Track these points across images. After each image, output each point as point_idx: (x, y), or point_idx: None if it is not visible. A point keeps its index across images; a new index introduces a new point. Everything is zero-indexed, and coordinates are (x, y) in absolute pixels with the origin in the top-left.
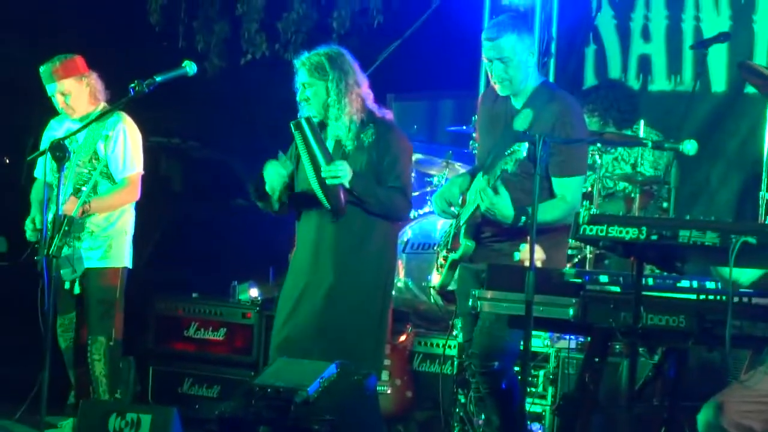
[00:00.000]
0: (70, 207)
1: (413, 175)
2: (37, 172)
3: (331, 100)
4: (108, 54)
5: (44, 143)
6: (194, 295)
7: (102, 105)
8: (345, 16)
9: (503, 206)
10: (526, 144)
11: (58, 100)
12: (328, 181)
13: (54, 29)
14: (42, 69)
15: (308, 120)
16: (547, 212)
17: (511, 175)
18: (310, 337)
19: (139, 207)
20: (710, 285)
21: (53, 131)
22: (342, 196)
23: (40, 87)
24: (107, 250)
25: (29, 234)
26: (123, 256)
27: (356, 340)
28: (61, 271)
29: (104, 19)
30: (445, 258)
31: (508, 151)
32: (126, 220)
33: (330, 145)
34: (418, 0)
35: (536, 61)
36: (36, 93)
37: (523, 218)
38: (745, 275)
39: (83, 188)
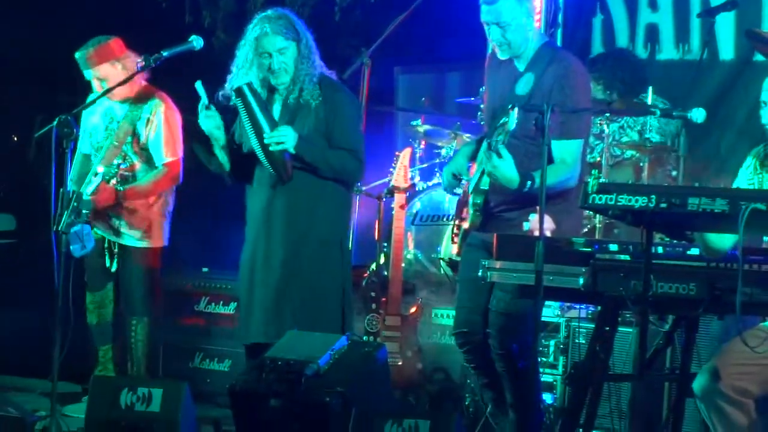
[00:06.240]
0: (104, 195)
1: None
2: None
3: (303, 60)
4: (114, 31)
5: (83, 122)
6: (204, 269)
7: (141, 85)
8: None
9: (506, 169)
10: (515, 114)
11: (95, 85)
12: (271, 147)
13: (59, 7)
14: (77, 55)
15: (250, 86)
16: (548, 176)
17: (513, 139)
18: (271, 313)
19: None
20: None
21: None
22: (287, 162)
23: (49, 66)
24: (146, 230)
25: None
26: (162, 236)
27: (319, 310)
28: (71, 247)
29: None
30: (458, 227)
31: (499, 123)
32: (167, 201)
33: (276, 108)
34: None
35: (534, 22)
36: (44, 72)
37: (529, 183)
38: (728, 241)
39: (120, 163)
